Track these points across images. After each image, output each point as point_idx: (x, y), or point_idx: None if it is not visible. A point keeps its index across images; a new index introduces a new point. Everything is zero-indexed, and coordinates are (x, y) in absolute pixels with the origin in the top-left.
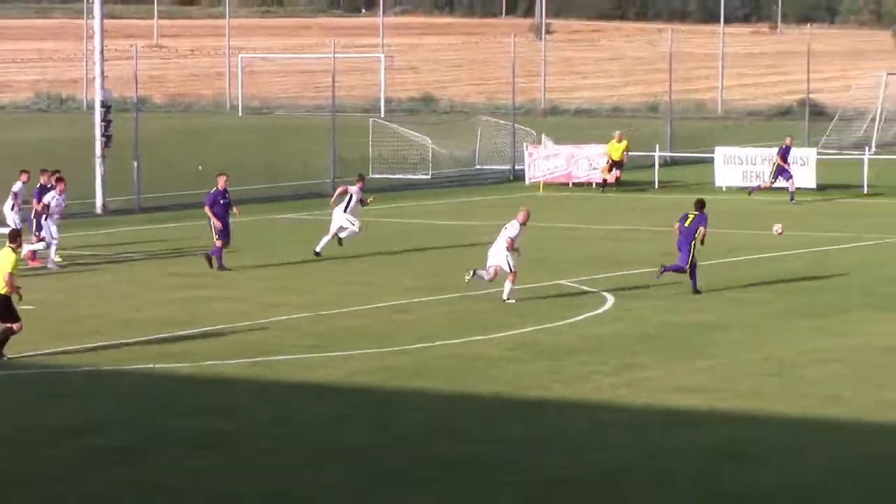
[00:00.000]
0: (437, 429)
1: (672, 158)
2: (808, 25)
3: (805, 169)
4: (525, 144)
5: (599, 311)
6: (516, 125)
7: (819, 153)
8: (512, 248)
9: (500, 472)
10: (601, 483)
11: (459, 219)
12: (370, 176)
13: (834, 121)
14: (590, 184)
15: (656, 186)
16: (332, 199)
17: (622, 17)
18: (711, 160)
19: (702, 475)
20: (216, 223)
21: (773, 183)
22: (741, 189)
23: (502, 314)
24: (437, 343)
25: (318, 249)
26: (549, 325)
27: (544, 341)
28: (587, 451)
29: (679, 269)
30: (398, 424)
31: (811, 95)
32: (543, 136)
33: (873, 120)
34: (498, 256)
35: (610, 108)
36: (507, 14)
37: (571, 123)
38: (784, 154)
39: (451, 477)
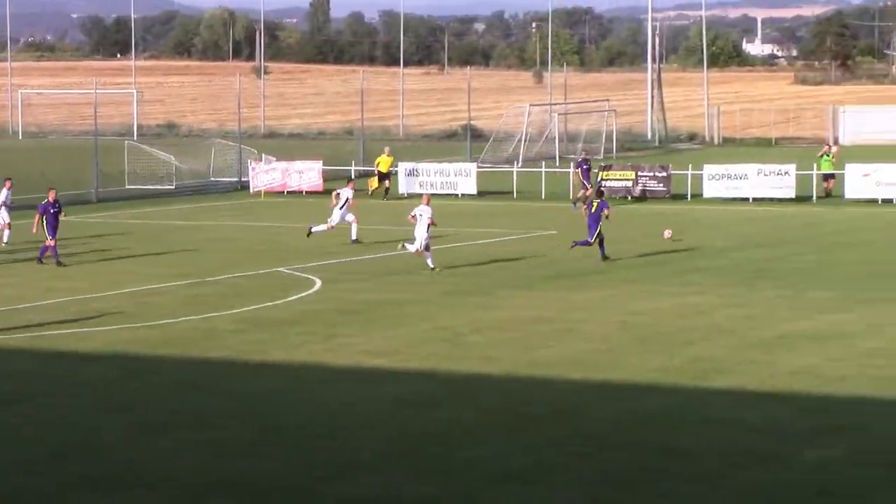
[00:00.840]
0: (181, 385)
1: (365, 171)
2: (468, 67)
3: (468, 179)
4: (249, 161)
5: (310, 291)
6: (242, 146)
7: (478, 167)
8: (433, 223)
9: (226, 419)
10: (309, 427)
11: (198, 220)
12: (126, 187)
13: (490, 142)
14: (300, 191)
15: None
16: (332, 203)
17: (324, 61)
18: (397, 173)
19: (390, 418)
20: (46, 228)
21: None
22: (418, 195)
23: (232, 297)
24: (181, 319)
25: (314, 228)
26: (270, 304)
27: (266, 316)
28: (298, 402)
29: (586, 244)
30: (150, 383)
31: (472, 122)
32: (263, 154)
33: (520, 141)
34: (420, 235)
35: (316, 132)
36: (233, 58)
37: (286, 144)
38: (580, 165)
39: (191, 423)
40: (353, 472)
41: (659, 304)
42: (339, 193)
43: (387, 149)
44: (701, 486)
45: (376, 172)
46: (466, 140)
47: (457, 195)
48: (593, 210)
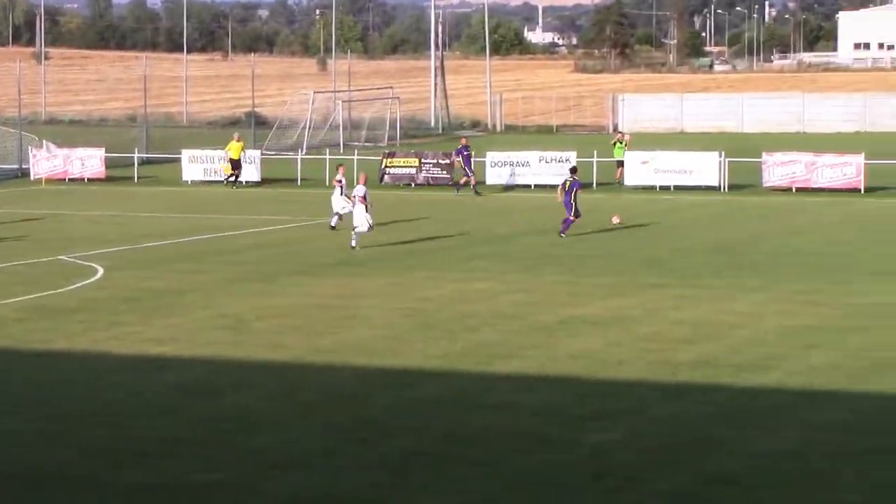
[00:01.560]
0: None
1: (148, 158)
2: (252, 54)
3: (252, 166)
4: (30, 147)
5: (92, 279)
6: (22, 132)
7: (263, 154)
8: (364, 202)
9: (10, 407)
10: (94, 416)
11: None
12: None
13: (274, 129)
14: (82, 179)
15: (136, 181)
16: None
17: (106, 47)
18: (179, 159)
19: (174, 406)
20: None
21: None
22: (203, 182)
23: (13, 285)
24: None
25: (332, 225)
26: (52, 292)
27: (48, 304)
28: (83, 391)
29: (569, 222)
30: None
31: (256, 109)
32: (45, 141)
33: (304, 128)
34: (360, 217)
35: (98, 119)
36: (12, 43)
37: (67, 131)
38: (460, 152)
39: None
40: (139, 459)
41: (443, 290)
42: (340, 180)
43: (236, 134)
44: (481, 470)
45: (228, 160)
46: (251, 127)
47: (241, 182)
48: (566, 188)
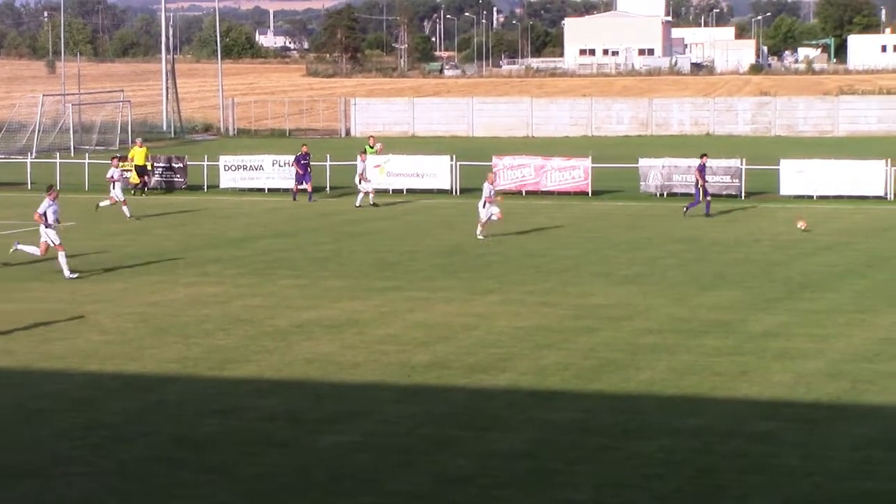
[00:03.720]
0: None
1: None
2: None
3: None
4: None
5: None
6: None
7: None
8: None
9: None
10: None
11: None
12: None
13: (2, 132)
14: None
15: None
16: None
17: None
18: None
19: None
20: None
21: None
22: None
23: None
24: None
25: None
26: None
27: None
28: None
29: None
30: None
31: None
32: None
33: (33, 131)
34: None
35: None
36: None
37: None
38: (299, 160)
39: None
40: None
41: (176, 294)
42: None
43: (139, 139)
44: (216, 475)
45: (133, 168)
46: None
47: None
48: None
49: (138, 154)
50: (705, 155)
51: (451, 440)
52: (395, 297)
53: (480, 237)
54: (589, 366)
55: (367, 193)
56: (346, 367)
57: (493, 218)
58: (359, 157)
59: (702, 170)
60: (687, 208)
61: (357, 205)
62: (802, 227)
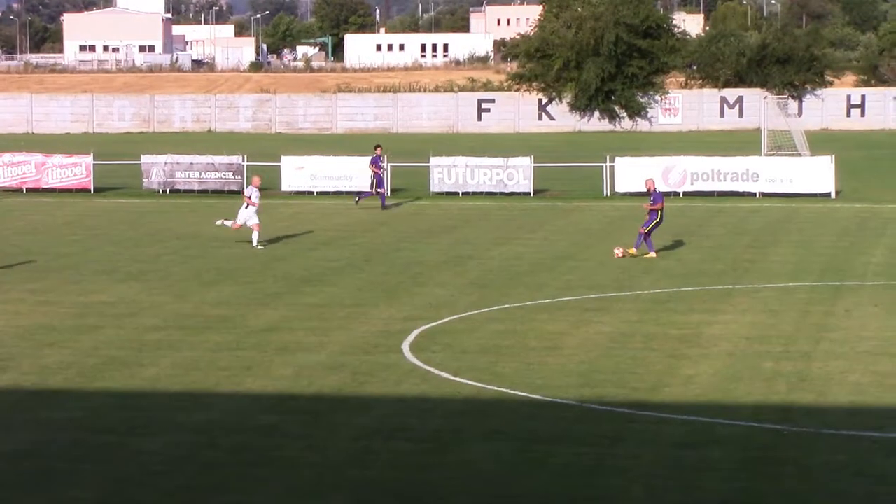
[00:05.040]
0: None
1: None
2: None
3: None
4: None
5: None
6: None
7: None
8: (252, 203)
9: None
10: None
11: None
12: None
13: None
14: None
15: None
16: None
17: None
18: None
19: None
20: None
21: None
22: None
23: None
24: None
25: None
26: None
27: None
28: None
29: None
30: None
31: None
32: None
33: None
34: (248, 216)
35: None
36: None
37: None
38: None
39: None
40: None
41: None
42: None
43: None
44: None
45: None
46: None
47: None
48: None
49: None
50: (379, 146)
51: None
52: None
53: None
54: (93, 363)
55: None
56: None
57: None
58: None
59: (375, 161)
60: (359, 197)
61: None
62: (619, 254)
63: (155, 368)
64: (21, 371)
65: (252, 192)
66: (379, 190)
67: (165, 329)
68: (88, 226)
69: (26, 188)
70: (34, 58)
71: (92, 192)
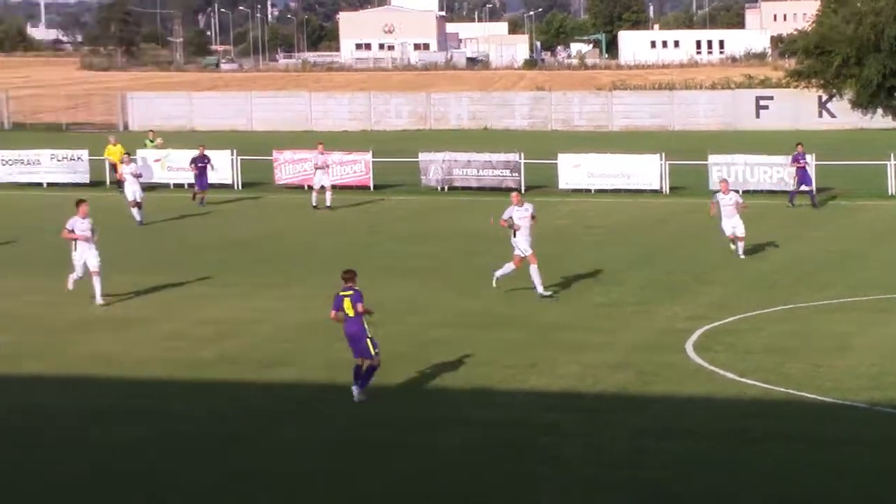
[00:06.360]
0: None
1: None
2: None
3: None
4: None
5: None
6: None
7: None
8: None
9: None
10: None
11: None
12: None
13: None
14: None
15: None
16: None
17: None
18: None
19: None
20: None
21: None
22: None
23: None
24: None
25: None
26: None
27: None
28: None
29: None
30: None
31: None
32: None
33: None
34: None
35: None
36: None
37: None
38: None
39: None
40: None
41: None
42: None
43: (112, 137)
44: None
45: (110, 165)
46: None
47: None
48: None
49: (112, 153)
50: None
51: (241, 436)
52: (180, 292)
53: None
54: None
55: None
56: (131, 365)
57: None
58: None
59: (797, 158)
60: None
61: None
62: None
63: (438, 365)
64: (307, 366)
65: None
66: (805, 188)
67: (450, 326)
68: (368, 224)
69: (307, 185)
70: (312, 56)
71: (371, 189)
